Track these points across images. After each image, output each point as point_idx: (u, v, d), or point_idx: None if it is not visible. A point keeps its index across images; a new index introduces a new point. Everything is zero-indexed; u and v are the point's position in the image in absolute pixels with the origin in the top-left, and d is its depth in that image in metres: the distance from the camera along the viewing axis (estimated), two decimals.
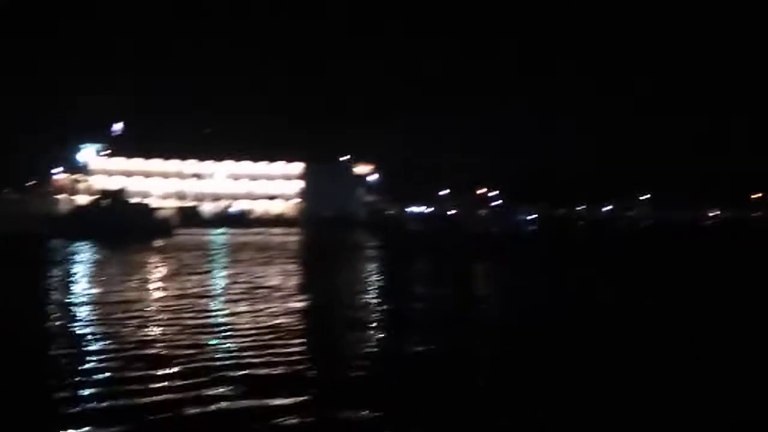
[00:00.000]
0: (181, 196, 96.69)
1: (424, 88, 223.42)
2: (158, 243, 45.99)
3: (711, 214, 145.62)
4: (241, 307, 16.74)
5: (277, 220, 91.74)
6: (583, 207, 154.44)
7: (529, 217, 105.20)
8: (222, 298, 18.66)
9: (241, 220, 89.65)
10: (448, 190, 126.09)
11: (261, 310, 16.32)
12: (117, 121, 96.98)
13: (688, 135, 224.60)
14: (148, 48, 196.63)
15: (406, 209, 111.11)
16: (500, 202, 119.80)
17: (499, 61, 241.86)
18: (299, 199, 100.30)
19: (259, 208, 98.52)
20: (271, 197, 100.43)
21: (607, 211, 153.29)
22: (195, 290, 20.01)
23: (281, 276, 24.71)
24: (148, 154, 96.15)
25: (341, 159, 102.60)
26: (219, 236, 60.24)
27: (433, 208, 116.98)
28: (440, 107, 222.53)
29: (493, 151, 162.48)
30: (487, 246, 50.71)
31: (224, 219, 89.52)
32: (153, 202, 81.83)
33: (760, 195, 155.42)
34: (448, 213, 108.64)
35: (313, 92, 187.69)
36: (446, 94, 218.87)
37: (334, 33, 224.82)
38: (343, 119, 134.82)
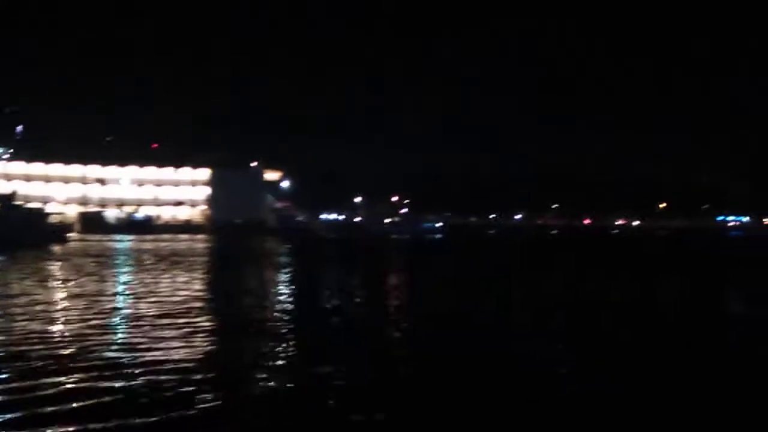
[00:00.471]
0: (84, 202, 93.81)
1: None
2: (53, 249, 44.55)
3: (617, 223, 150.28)
4: (112, 318, 16.14)
5: (184, 227, 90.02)
6: (495, 216, 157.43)
7: (436, 225, 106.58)
8: (100, 308, 17.79)
9: (147, 226, 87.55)
10: (360, 198, 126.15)
11: (141, 318, 15.72)
12: (18, 124, 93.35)
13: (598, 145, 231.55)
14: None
15: (319, 216, 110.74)
16: (406, 210, 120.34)
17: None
18: (206, 206, 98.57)
19: (166, 214, 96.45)
20: (178, 203, 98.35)
21: (518, 219, 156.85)
22: (74, 300, 19.23)
23: (176, 283, 24.19)
24: (49, 158, 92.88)
25: (250, 165, 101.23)
26: (121, 242, 58.77)
27: (344, 216, 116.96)
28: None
29: (406, 159, 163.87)
30: (390, 252, 51.28)
31: (129, 225, 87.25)
32: (55, 207, 79.28)
33: (665, 204, 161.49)
34: (355, 220, 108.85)
35: (223, 96, 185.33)
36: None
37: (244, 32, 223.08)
38: (251, 125, 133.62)
